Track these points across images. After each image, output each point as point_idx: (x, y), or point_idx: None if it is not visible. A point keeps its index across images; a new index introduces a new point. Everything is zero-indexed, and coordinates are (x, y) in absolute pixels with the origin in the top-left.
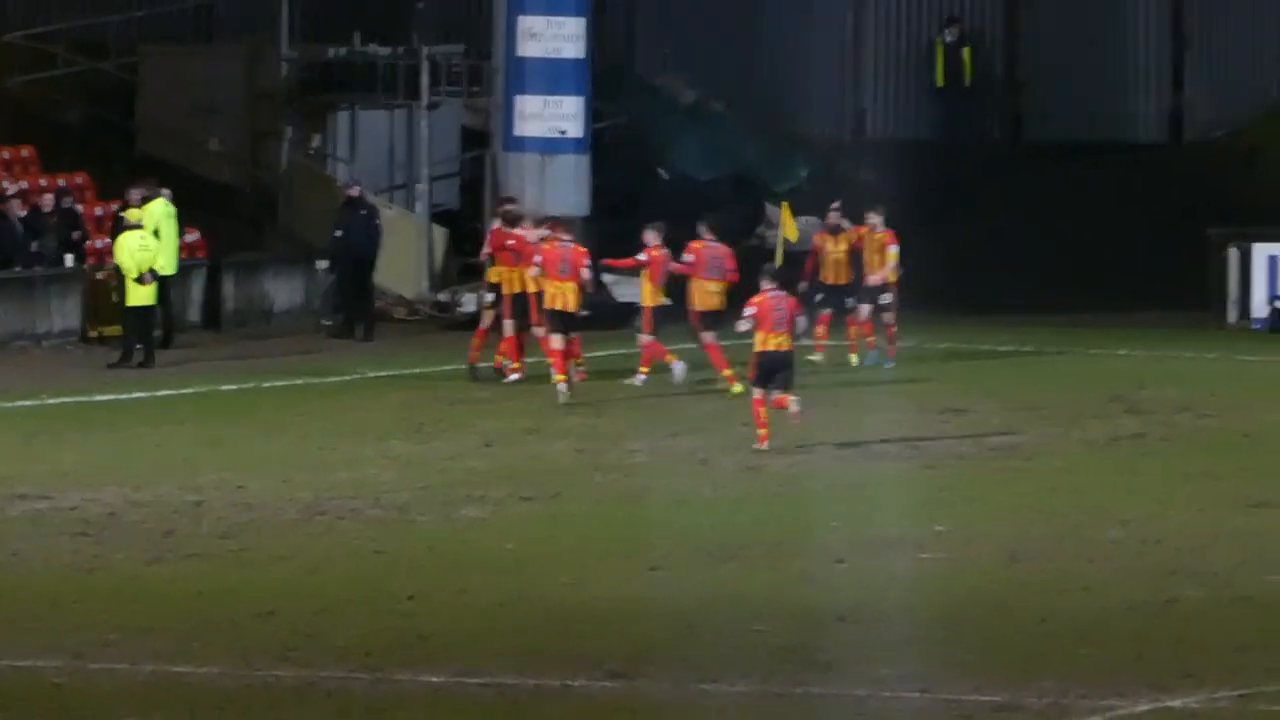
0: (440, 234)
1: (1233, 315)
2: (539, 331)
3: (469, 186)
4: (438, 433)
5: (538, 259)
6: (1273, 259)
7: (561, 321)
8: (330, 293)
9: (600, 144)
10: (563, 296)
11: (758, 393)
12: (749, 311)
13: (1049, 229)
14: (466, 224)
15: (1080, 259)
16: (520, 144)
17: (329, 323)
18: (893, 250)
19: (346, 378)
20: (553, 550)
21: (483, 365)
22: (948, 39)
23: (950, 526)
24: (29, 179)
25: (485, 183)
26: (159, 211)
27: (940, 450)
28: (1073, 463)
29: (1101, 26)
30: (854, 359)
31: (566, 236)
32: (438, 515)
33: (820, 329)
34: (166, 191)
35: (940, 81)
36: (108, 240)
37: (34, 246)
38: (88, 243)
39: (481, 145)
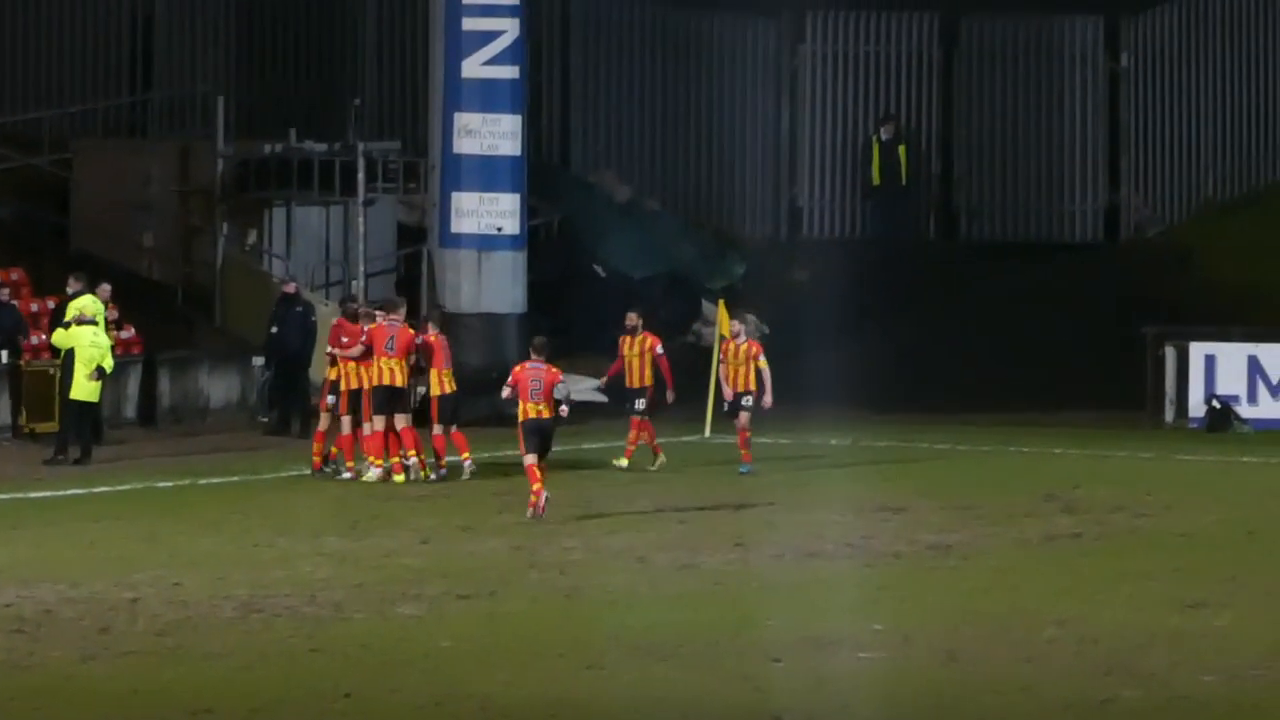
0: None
1: (1170, 414)
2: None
3: (405, 282)
4: (373, 529)
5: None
6: (1209, 358)
7: (386, 400)
8: (266, 389)
9: (536, 240)
10: (390, 373)
11: (529, 458)
12: (509, 382)
13: (985, 327)
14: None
15: (1016, 357)
16: (456, 240)
17: (265, 419)
18: (763, 360)
19: (281, 474)
20: (489, 648)
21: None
22: (883, 137)
23: (888, 626)
24: None
25: (422, 279)
26: (91, 308)
27: (877, 549)
28: (1009, 562)
29: (1038, 125)
30: (625, 462)
31: (395, 317)
32: (373, 612)
33: (631, 433)
34: (106, 287)
35: (877, 179)
36: (44, 336)
37: None
38: (23, 338)
39: (418, 241)
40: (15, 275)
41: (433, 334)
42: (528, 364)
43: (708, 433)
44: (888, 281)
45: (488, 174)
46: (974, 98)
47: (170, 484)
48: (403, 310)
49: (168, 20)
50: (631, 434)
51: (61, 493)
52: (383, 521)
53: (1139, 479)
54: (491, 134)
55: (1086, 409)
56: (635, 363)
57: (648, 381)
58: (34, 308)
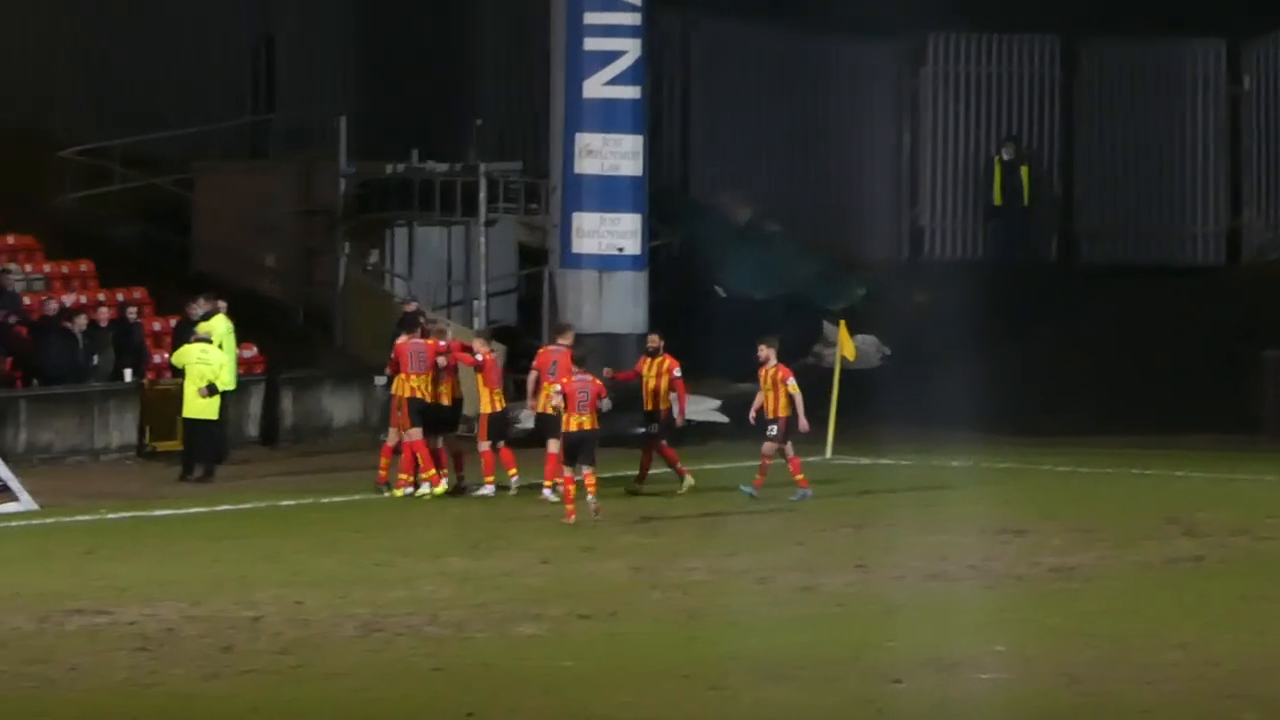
0: (499, 350)
1: None
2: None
3: (526, 303)
4: (494, 549)
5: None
6: None
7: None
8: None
9: (656, 261)
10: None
11: (566, 470)
12: (557, 391)
13: (1106, 350)
14: (523, 340)
15: (1137, 380)
16: (577, 261)
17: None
18: (792, 383)
19: (403, 494)
20: (610, 668)
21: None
22: (1005, 157)
23: (1009, 648)
24: (87, 294)
25: (543, 299)
26: (221, 327)
27: (999, 571)
28: (1130, 585)
29: (1159, 147)
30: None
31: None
32: (495, 632)
33: (643, 459)
34: (224, 306)
35: (998, 200)
36: (166, 355)
37: (94, 360)
38: (146, 358)
39: (538, 262)
40: (137, 295)
41: (484, 351)
42: (575, 376)
43: (829, 453)
44: (1009, 303)
45: (609, 194)
46: (1095, 120)
47: (292, 503)
48: (441, 327)
49: (290, 41)
50: (643, 459)
51: (184, 511)
52: (504, 542)
53: (1261, 502)
54: (613, 154)
55: (1207, 432)
56: (652, 384)
57: (664, 405)
58: (155, 327)
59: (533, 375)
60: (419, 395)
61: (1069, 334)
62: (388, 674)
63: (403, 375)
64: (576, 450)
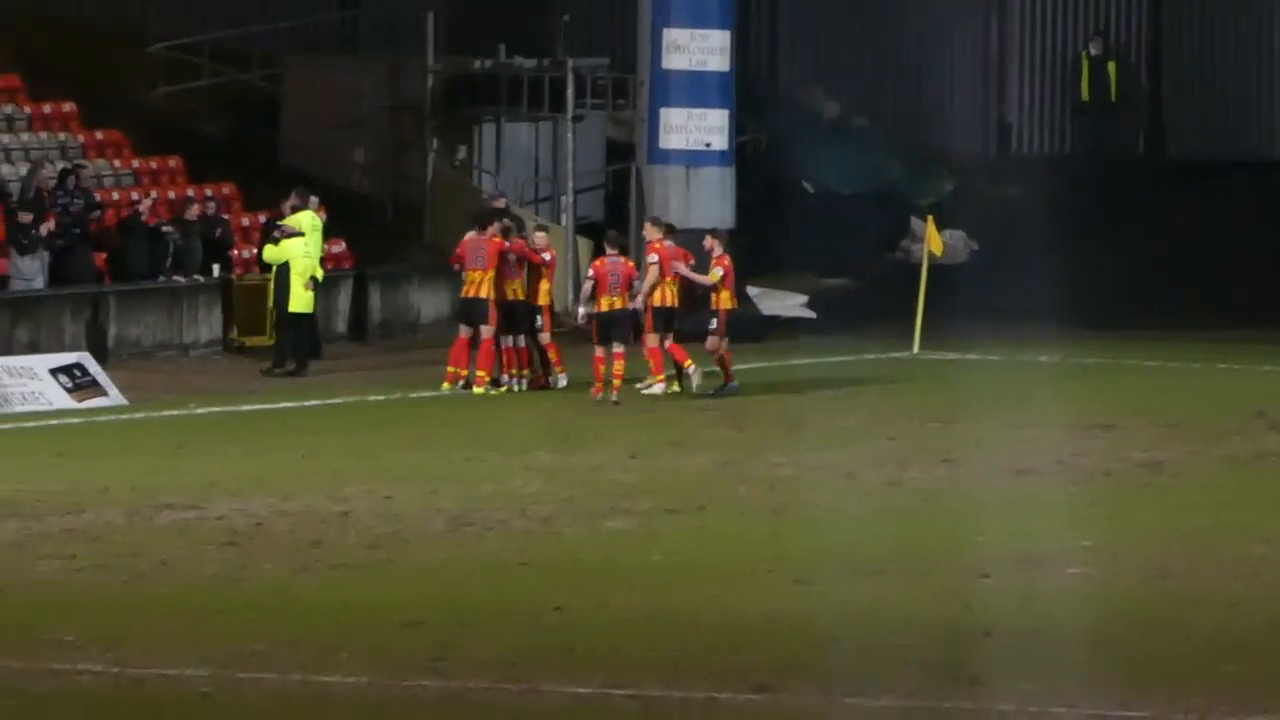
0: (585, 246)
1: None
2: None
3: (613, 199)
4: (582, 444)
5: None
6: None
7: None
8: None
9: (744, 157)
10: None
11: (599, 350)
12: (589, 275)
13: (1194, 244)
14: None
15: (1224, 275)
16: (665, 156)
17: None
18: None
19: (482, 391)
20: (698, 563)
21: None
22: (1093, 52)
23: (1097, 543)
24: (175, 189)
25: (630, 195)
26: (307, 222)
27: (1087, 466)
28: (1218, 479)
29: (1248, 41)
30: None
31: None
32: (583, 527)
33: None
34: (315, 202)
35: (1086, 96)
36: (255, 250)
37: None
38: (233, 252)
39: (626, 158)
40: (226, 190)
41: (659, 242)
42: (606, 258)
43: (916, 349)
44: (1097, 198)
45: (697, 90)
46: (1183, 13)
47: (381, 398)
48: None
49: None
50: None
51: (273, 406)
52: (592, 436)
53: None
54: (700, 49)
55: None
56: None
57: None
58: (245, 222)
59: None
60: (473, 293)
61: (1156, 229)
62: (476, 568)
63: (467, 272)
64: (610, 328)
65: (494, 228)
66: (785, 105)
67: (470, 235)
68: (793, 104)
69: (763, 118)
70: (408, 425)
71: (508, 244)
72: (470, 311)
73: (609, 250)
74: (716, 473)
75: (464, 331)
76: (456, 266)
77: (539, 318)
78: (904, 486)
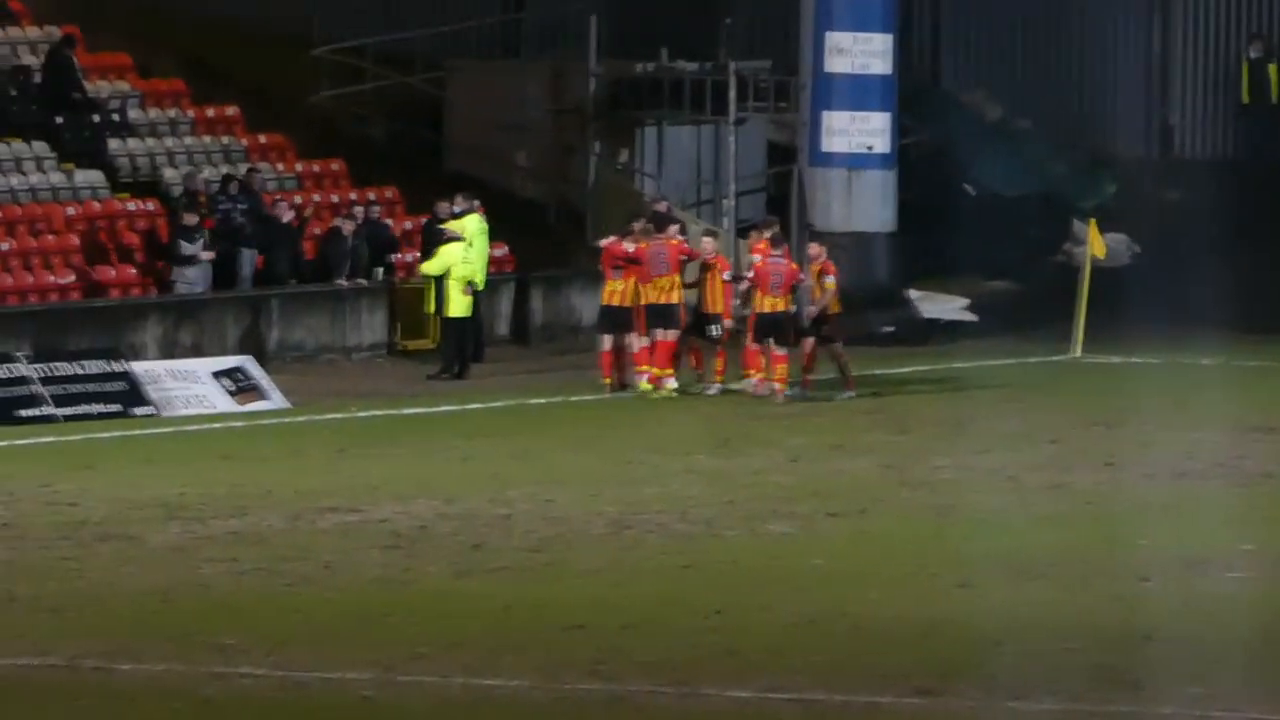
0: (746, 249)
1: None
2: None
3: (775, 202)
4: (743, 448)
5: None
6: None
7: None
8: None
9: (906, 160)
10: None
11: (755, 346)
12: (748, 274)
13: None
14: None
15: None
16: (827, 159)
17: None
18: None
19: (652, 393)
20: (859, 567)
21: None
22: (1252, 55)
23: (1258, 546)
24: (339, 192)
25: (791, 198)
26: (473, 226)
27: (1249, 469)
28: None
29: None
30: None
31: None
32: (744, 530)
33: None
34: (478, 204)
35: (1246, 98)
36: (417, 254)
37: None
38: (396, 256)
39: (787, 160)
40: (389, 193)
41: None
42: (769, 257)
43: (1078, 352)
44: (1261, 202)
45: (859, 93)
46: None
47: (543, 401)
48: (674, 228)
49: None
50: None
51: (436, 409)
52: (753, 440)
53: None
54: (863, 52)
55: None
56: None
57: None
58: (407, 225)
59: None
60: (663, 299)
61: None
62: (638, 571)
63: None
64: (770, 331)
65: (673, 229)
66: (948, 108)
67: (637, 240)
68: (955, 107)
69: (925, 121)
70: (569, 428)
71: (629, 250)
72: (665, 316)
73: (772, 249)
74: (878, 476)
75: (654, 336)
76: (615, 268)
77: (716, 326)
78: (1066, 490)
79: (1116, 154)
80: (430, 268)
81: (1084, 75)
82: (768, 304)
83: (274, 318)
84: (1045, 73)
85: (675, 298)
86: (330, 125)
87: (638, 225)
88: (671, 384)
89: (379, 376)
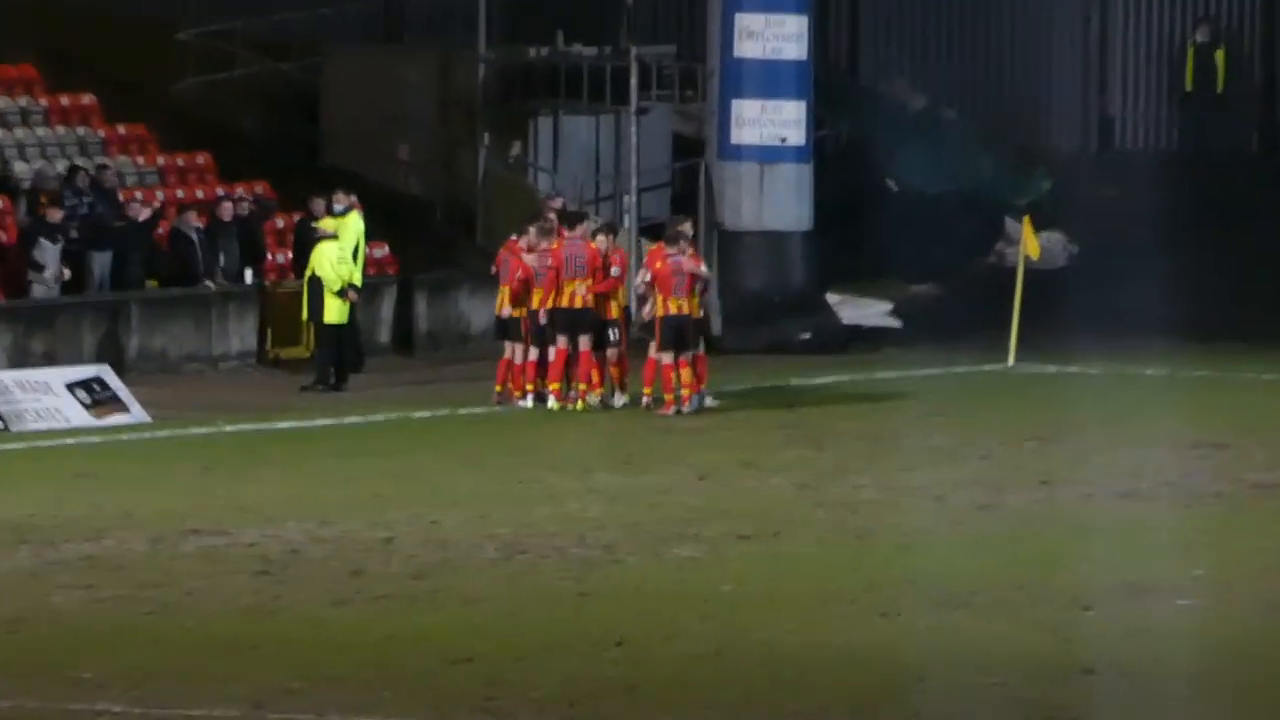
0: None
1: None
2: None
3: (681, 199)
4: (648, 465)
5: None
6: None
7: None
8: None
9: (822, 153)
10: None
11: (664, 358)
12: (645, 275)
13: None
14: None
15: None
16: (737, 152)
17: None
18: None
19: (549, 405)
20: (772, 593)
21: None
22: (1199, 39)
23: (1207, 571)
24: (205, 188)
25: (699, 194)
26: (356, 225)
27: (1197, 489)
28: None
29: None
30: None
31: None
32: (647, 555)
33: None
34: (354, 199)
35: (1189, 86)
36: (289, 255)
37: (220, 261)
38: (268, 258)
39: (694, 154)
40: (259, 190)
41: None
42: (668, 255)
43: (1011, 361)
44: (1206, 198)
45: (771, 80)
46: None
47: (428, 414)
48: (585, 226)
49: None
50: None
51: (311, 423)
52: (659, 456)
53: None
54: (775, 36)
55: None
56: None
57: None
58: (279, 224)
59: (642, 283)
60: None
61: (1270, 231)
62: (531, 599)
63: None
64: (674, 337)
65: (583, 228)
66: (868, 97)
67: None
68: (876, 96)
69: (843, 111)
70: (457, 444)
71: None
72: (577, 322)
73: (668, 247)
74: (793, 496)
75: (564, 344)
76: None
77: (613, 331)
78: (998, 510)
79: (1051, 147)
80: (320, 269)
81: (1015, 61)
82: (672, 306)
83: (134, 324)
84: (973, 59)
85: (587, 303)
86: (196, 116)
87: (535, 225)
88: (553, 402)
89: (248, 388)
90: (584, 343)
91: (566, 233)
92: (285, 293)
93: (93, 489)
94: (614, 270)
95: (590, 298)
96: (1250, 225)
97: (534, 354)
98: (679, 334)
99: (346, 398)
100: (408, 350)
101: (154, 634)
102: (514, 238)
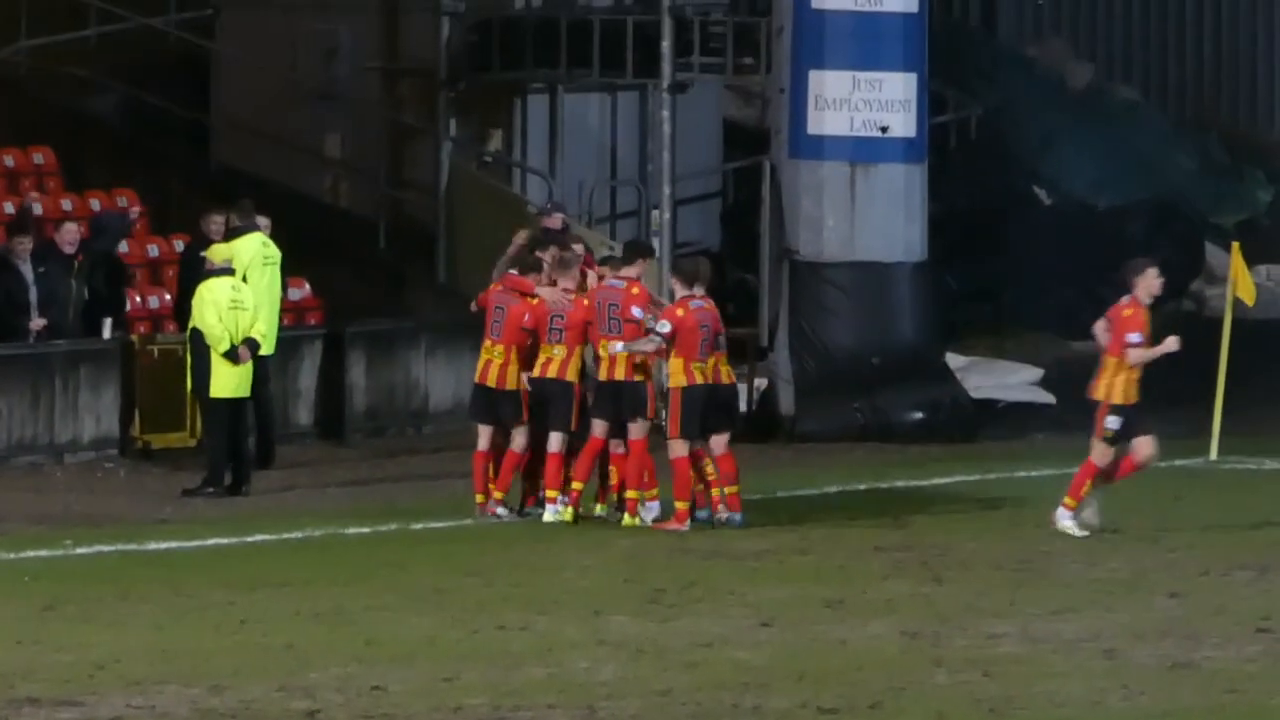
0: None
1: None
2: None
3: (734, 213)
4: (686, 604)
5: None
6: None
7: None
8: None
9: (944, 148)
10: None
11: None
12: (665, 328)
13: None
14: (732, 274)
15: None
16: (818, 147)
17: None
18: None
19: (541, 513)
20: None
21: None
22: None
23: None
24: (44, 200)
25: (761, 208)
26: (253, 252)
27: None
28: None
29: None
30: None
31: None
32: None
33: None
34: (265, 223)
35: None
36: (168, 296)
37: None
38: (134, 299)
39: (755, 150)
40: (122, 201)
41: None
42: (690, 301)
43: (1213, 454)
44: None
45: (868, 42)
46: None
47: (367, 530)
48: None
49: None
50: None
51: (198, 543)
52: (703, 590)
53: None
54: None
55: None
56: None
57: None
58: (152, 251)
59: (656, 341)
60: (552, 373)
61: None
62: None
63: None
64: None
65: (641, 266)
66: (1009, 67)
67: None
68: (1021, 65)
69: (974, 87)
70: (408, 572)
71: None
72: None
73: (682, 288)
74: (900, 648)
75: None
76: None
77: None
78: (1196, 670)
79: (1273, 144)
80: (202, 319)
81: (1221, 27)
82: (696, 372)
83: None
84: (1161, 18)
85: (569, 373)
86: (33, 96)
87: (548, 254)
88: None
89: (108, 491)
90: (553, 439)
91: (610, 270)
92: (160, 349)
93: None
94: (635, 311)
95: (569, 367)
96: None
97: (554, 443)
98: (706, 412)
99: (248, 505)
100: (338, 436)
101: None
102: (511, 272)
